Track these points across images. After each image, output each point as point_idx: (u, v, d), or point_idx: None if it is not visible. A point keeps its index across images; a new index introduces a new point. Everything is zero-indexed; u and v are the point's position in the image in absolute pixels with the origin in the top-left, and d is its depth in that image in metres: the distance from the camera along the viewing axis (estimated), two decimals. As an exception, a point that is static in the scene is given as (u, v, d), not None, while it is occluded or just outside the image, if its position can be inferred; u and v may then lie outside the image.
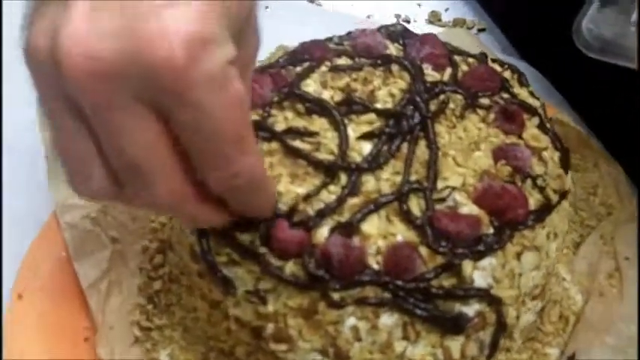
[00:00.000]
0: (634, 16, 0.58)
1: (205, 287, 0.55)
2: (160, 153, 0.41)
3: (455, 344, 0.51)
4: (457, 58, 0.59)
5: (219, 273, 0.52)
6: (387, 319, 0.50)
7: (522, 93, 0.59)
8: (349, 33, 0.62)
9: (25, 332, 0.60)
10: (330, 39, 0.61)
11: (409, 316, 0.50)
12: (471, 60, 0.60)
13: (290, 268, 0.50)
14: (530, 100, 0.59)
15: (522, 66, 0.69)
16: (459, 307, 0.51)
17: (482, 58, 0.60)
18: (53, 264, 0.63)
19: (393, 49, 0.60)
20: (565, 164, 0.59)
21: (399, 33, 0.61)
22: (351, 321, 0.50)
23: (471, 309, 0.51)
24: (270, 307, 0.51)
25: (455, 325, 0.51)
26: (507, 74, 0.61)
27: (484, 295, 0.51)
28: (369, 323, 0.50)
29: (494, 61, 0.61)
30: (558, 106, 0.72)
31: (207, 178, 0.42)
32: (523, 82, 0.60)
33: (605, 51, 0.58)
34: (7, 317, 0.61)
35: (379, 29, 0.61)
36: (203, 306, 0.57)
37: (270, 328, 0.52)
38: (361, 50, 0.59)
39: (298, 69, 0.58)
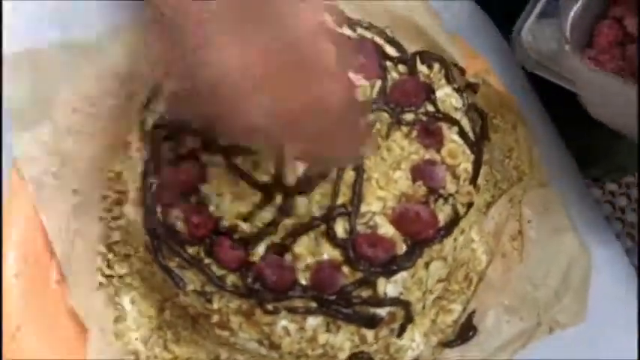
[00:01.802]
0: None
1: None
2: None
3: (369, 332, 0.62)
4: (389, 64, 0.63)
5: (171, 273, 0.61)
6: (313, 321, 0.60)
7: (446, 99, 0.64)
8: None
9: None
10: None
11: (332, 317, 0.60)
12: (401, 68, 0.64)
13: (231, 279, 0.59)
14: (454, 101, 0.64)
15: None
16: (373, 310, 0.61)
17: (412, 60, 0.64)
18: (22, 216, 0.70)
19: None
20: (483, 134, 0.66)
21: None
22: (283, 323, 0.60)
23: (383, 311, 0.61)
24: (215, 305, 0.61)
25: (369, 323, 0.61)
26: (436, 68, 0.65)
27: (395, 302, 0.60)
28: (297, 325, 0.60)
29: (426, 54, 0.65)
30: (496, 53, 0.76)
31: None
32: (450, 79, 0.65)
33: (541, 66, 0.60)
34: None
35: (315, 27, 0.64)
36: (159, 272, 0.66)
37: (215, 318, 0.61)
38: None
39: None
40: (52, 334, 0.67)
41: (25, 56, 0.72)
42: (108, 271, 0.70)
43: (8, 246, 0.69)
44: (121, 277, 0.69)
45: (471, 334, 0.68)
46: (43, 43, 0.73)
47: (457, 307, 0.69)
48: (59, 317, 0.68)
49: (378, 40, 0.66)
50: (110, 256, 0.70)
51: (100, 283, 0.69)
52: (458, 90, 0.65)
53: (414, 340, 0.67)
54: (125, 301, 0.69)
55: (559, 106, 0.71)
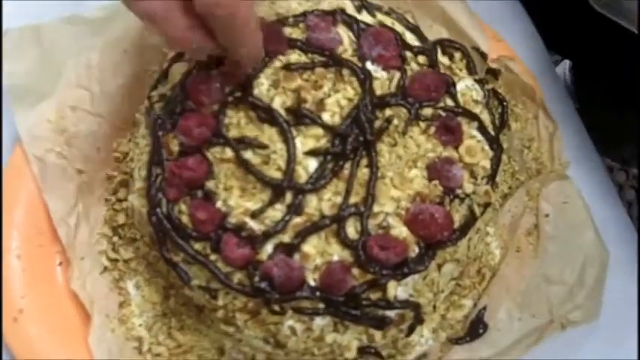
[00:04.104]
0: None
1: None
2: None
3: (378, 332, 0.61)
4: (408, 55, 0.60)
5: (176, 267, 0.59)
6: (320, 321, 0.59)
7: (467, 92, 0.61)
8: (305, 15, 0.61)
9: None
10: (286, 19, 0.61)
11: (339, 319, 0.59)
12: (421, 59, 0.61)
13: (237, 277, 0.58)
14: (474, 94, 0.62)
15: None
16: (382, 312, 0.59)
17: (433, 51, 0.61)
18: (25, 197, 0.68)
19: (346, 42, 0.60)
20: (503, 122, 0.64)
21: (354, 20, 0.61)
22: (289, 323, 0.58)
23: (392, 312, 0.59)
24: (220, 302, 0.59)
25: (378, 325, 0.59)
26: (457, 57, 0.62)
27: (405, 305, 0.59)
28: (304, 325, 0.59)
29: (447, 43, 0.62)
30: (522, 37, 0.73)
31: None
32: (471, 69, 0.62)
33: (609, 7, 0.59)
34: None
35: (335, 14, 0.61)
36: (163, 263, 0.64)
37: (220, 313, 0.60)
38: (315, 47, 0.60)
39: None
40: (55, 317, 0.66)
41: (30, 31, 0.69)
42: (113, 255, 0.68)
43: (11, 225, 0.67)
44: (126, 261, 0.68)
45: (481, 330, 0.66)
46: (49, 17, 0.70)
47: (468, 303, 0.67)
48: (62, 301, 0.67)
49: (398, 27, 0.63)
50: (115, 239, 0.69)
51: (105, 267, 0.68)
52: (479, 81, 0.62)
53: (423, 335, 0.66)
54: (130, 285, 0.68)
55: (591, 88, 0.69)
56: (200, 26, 0.51)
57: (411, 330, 0.62)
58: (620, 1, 0.62)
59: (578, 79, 0.76)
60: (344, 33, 0.61)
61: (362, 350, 0.61)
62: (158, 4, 0.49)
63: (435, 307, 0.62)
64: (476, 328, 0.67)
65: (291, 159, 0.57)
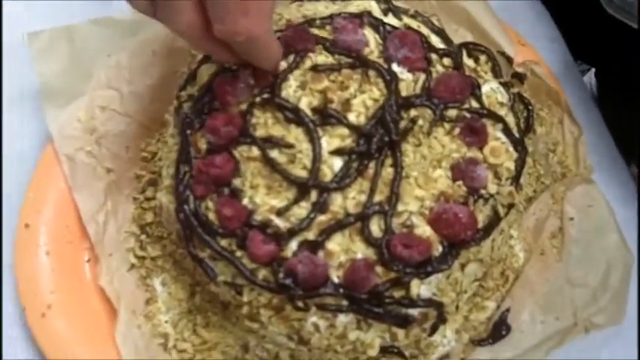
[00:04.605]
0: None
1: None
2: None
3: (400, 330, 0.61)
4: (434, 57, 0.61)
5: (202, 263, 0.60)
6: (344, 318, 0.59)
7: (492, 94, 0.62)
8: (332, 17, 0.62)
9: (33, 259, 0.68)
10: (313, 21, 0.62)
11: (363, 316, 0.59)
12: (446, 62, 0.62)
13: (262, 273, 0.58)
14: (499, 96, 0.62)
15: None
16: (405, 310, 0.59)
17: (458, 53, 0.62)
18: (55, 195, 0.69)
19: (373, 44, 0.61)
20: (528, 126, 0.64)
21: (380, 22, 0.62)
22: (313, 319, 0.59)
23: (415, 311, 0.60)
24: (245, 298, 0.60)
25: (401, 323, 0.60)
26: (483, 60, 0.63)
27: (428, 304, 0.59)
28: (327, 322, 0.59)
29: (472, 45, 0.63)
30: (548, 42, 0.73)
31: (213, 28, 0.51)
32: (496, 72, 0.63)
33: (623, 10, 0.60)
34: (17, 244, 0.68)
35: (362, 16, 0.62)
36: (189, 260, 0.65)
37: (245, 309, 0.61)
38: (341, 48, 0.60)
39: (283, 64, 0.60)
40: (82, 313, 0.67)
41: (61, 33, 0.71)
42: (140, 253, 0.69)
43: (40, 222, 0.68)
44: (153, 258, 0.69)
45: (504, 332, 0.67)
46: (78, 19, 0.71)
47: (491, 305, 0.68)
48: (90, 297, 0.68)
49: (424, 29, 0.63)
50: (143, 237, 0.70)
51: (132, 265, 0.69)
52: (504, 84, 0.63)
53: (446, 336, 0.66)
54: (156, 283, 0.69)
55: (614, 94, 0.69)
56: (221, 45, 0.54)
57: (433, 329, 0.62)
58: (632, 5, 0.62)
59: (601, 86, 0.76)
60: (370, 35, 0.62)
61: (385, 350, 0.62)
62: (182, 22, 0.52)
63: (457, 307, 0.63)
64: (499, 330, 0.67)
65: (316, 158, 0.58)
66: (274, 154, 0.59)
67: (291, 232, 0.57)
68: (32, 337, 0.66)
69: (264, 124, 0.59)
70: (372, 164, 0.58)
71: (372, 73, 0.60)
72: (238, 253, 0.59)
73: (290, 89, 0.60)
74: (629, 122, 0.64)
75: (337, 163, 0.58)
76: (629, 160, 0.73)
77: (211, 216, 0.59)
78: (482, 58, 0.64)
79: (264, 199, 0.58)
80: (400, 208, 0.58)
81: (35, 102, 0.71)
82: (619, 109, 0.68)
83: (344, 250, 0.58)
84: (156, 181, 0.70)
